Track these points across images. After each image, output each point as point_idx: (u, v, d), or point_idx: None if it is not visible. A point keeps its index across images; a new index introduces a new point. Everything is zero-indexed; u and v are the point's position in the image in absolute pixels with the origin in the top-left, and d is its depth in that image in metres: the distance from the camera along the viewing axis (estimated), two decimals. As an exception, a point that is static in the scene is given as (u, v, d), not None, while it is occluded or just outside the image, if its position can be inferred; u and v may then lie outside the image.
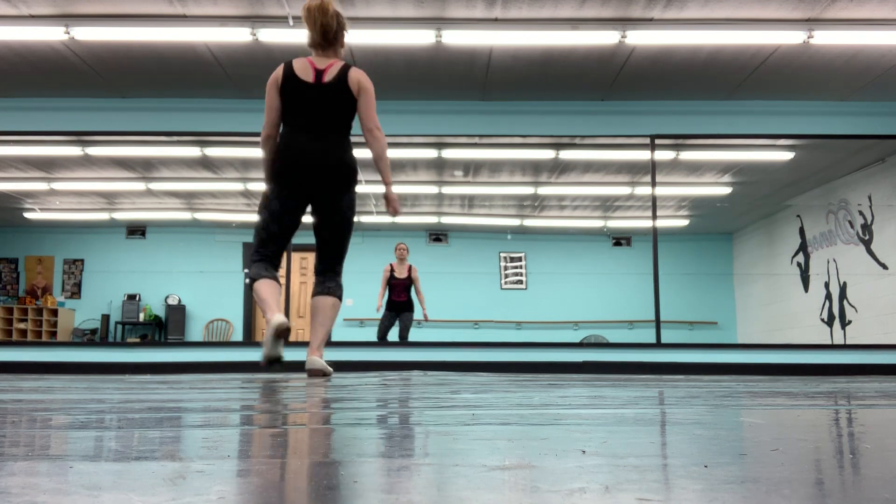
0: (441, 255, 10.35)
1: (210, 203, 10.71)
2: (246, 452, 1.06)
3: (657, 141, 7.45)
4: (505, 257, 10.51)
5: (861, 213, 8.53)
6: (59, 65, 6.55)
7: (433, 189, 9.97)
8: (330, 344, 8.38)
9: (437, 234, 10.47)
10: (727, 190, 9.77)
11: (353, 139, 3.61)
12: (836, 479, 0.84)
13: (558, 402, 2.04)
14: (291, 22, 5.70)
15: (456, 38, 6.01)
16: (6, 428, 1.38)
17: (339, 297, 3.61)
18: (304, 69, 3.52)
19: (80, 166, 9.00)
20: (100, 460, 0.95)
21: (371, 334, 8.99)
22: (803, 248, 9.62)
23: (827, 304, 9.10)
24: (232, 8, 5.71)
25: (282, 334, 3.32)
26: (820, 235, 9.30)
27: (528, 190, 10.01)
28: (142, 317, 10.21)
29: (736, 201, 10.09)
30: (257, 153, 8.26)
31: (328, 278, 3.60)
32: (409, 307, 8.17)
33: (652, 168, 7.45)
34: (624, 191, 9.71)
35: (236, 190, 10.11)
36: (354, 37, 5.97)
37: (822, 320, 9.14)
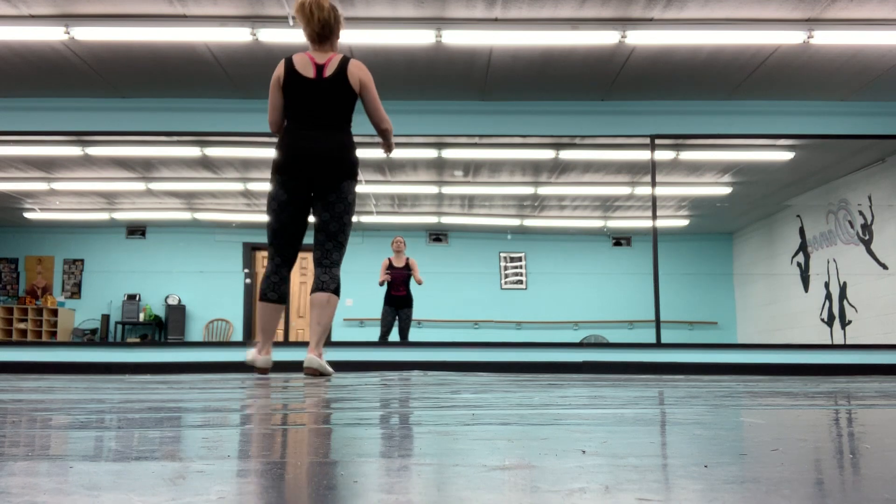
0: (441, 255, 10.35)
1: (210, 203, 10.71)
2: (246, 452, 1.06)
3: (657, 141, 7.45)
4: (505, 257, 10.51)
5: (861, 213, 8.53)
6: (59, 65, 6.55)
7: (433, 189, 9.97)
8: (330, 344, 8.39)
9: (437, 234, 10.47)
10: (727, 190, 9.77)
11: (360, 138, 3.74)
12: (836, 479, 0.84)
13: (558, 402, 2.04)
14: (291, 22, 5.70)
15: (456, 38, 6.00)
16: (6, 428, 1.38)
17: (336, 292, 3.64)
18: (304, 65, 3.59)
19: (80, 166, 9.00)
20: (100, 460, 0.95)
21: (371, 334, 8.99)
22: (803, 248, 9.62)
23: (827, 304, 9.10)
24: (232, 8, 5.71)
25: (257, 371, 3.52)
26: (820, 235, 9.30)
27: (528, 190, 10.01)
28: (142, 317, 10.21)
29: (736, 201, 10.09)
30: (257, 153, 8.29)
31: (325, 270, 3.63)
32: (408, 303, 8.15)
33: (652, 168, 7.45)
34: (624, 191, 9.71)
35: (236, 190, 10.11)
36: (354, 37, 5.97)
37: (822, 320, 9.14)
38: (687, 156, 8.52)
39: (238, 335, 10.15)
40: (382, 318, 8.23)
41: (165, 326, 10.22)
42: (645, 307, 7.40)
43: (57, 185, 9.79)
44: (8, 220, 10.56)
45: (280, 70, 3.61)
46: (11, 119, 7.27)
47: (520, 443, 1.13)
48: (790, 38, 5.95)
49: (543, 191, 10.01)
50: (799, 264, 9.69)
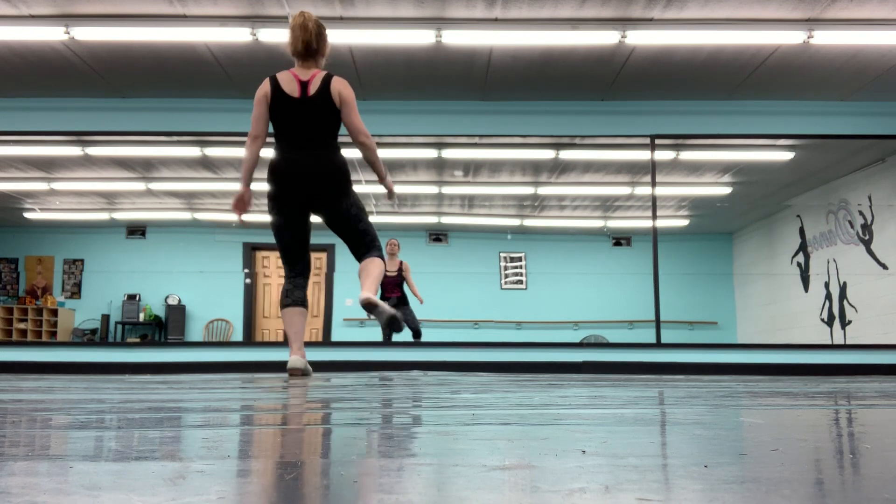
0: (441, 255, 10.34)
1: (210, 203, 10.71)
2: (246, 452, 1.06)
3: (657, 141, 7.44)
4: (505, 257, 10.51)
5: (861, 213, 8.53)
6: (59, 65, 6.55)
7: (433, 189, 9.97)
8: (330, 344, 8.39)
9: (437, 234, 10.47)
10: (727, 190, 9.77)
11: (340, 140, 3.75)
12: (836, 479, 0.84)
13: (558, 402, 2.04)
14: (290, 19, 5.69)
15: (456, 38, 6.00)
16: (6, 428, 1.38)
17: (379, 256, 3.81)
18: (289, 83, 3.68)
19: (80, 166, 9.00)
20: (100, 460, 0.95)
21: (370, 334, 8.99)
22: (803, 248, 9.62)
23: (827, 304, 9.10)
24: (232, 8, 5.71)
25: (296, 374, 3.60)
26: (820, 235, 9.30)
27: (528, 190, 10.01)
28: (142, 317, 10.21)
29: (736, 201, 10.09)
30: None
31: (368, 251, 3.79)
32: (403, 302, 8.13)
33: (652, 168, 7.45)
34: (624, 191, 9.71)
35: (236, 190, 10.10)
36: (354, 37, 5.97)
37: (822, 320, 9.14)
38: (687, 156, 8.51)
39: (238, 335, 10.15)
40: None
41: (165, 326, 10.22)
42: (645, 307, 7.40)
43: (57, 185, 9.79)
44: (8, 220, 10.56)
45: (266, 88, 3.69)
46: (11, 119, 7.27)
47: (520, 443, 1.13)
48: (790, 38, 5.95)
49: (543, 191, 10.01)
50: (799, 264, 9.69)
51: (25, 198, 10.07)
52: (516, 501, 0.68)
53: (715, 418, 1.60)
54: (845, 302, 8.80)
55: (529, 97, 7.28)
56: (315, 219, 3.84)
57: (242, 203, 3.84)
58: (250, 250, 10.31)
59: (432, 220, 10.56)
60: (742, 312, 10.75)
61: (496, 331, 9.99)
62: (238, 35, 5.93)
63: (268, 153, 3.84)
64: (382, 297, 8.19)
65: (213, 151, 8.50)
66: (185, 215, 10.79)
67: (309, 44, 3.69)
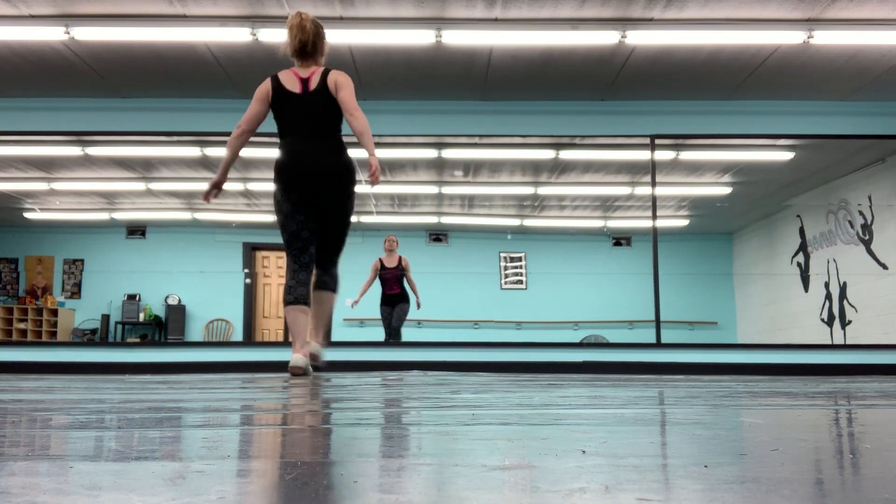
0: (441, 255, 10.34)
1: (210, 203, 10.69)
2: (246, 452, 1.06)
3: (657, 141, 7.44)
4: (505, 257, 10.50)
5: (861, 213, 8.53)
6: (59, 65, 6.55)
7: (433, 189, 9.97)
8: (330, 344, 8.38)
9: (437, 234, 10.47)
10: (727, 190, 9.77)
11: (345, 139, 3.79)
12: (836, 479, 0.84)
13: (558, 402, 2.04)
14: (287, 20, 5.69)
15: (456, 38, 6.00)
16: (6, 428, 1.38)
17: (335, 290, 3.98)
18: (290, 80, 3.75)
19: (80, 166, 9.00)
20: (100, 460, 0.95)
21: (370, 334, 8.99)
22: (803, 248, 9.62)
23: (827, 304, 9.10)
24: (232, 8, 5.71)
25: (298, 373, 3.63)
26: (820, 235, 9.30)
27: (528, 190, 10.01)
28: (142, 317, 10.21)
29: (736, 201, 10.09)
30: (257, 153, 8.30)
31: (326, 270, 3.91)
32: (404, 298, 8.14)
33: (652, 168, 7.45)
34: (624, 191, 9.71)
35: (236, 190, 10.10)
36: (354, 37, 5.97)
37: (822, 320, 9.14)
38: (687, 156, 8.51)
39: (238, 335, 10.15)
40: (382, 318, 8.25)
41: (165, 326, 10.22)
42: (645, 307, 7.40)
43: (57, 185, 9.79)
44: (8, 220, 10.56)
45: (267, 86, 3.75)
46: (11, 119, 7.27)
47: (520, 443, 1.13)
48: (790, 38, 5.95)
49: (543, 191, 10.01)
50: (799, 264, 9.69)
51: (25, 198, 10.06)
52: (516, 501, 0.68)
53: (715, 418, 1.60)
54: (845, 302, 8.80)
55: (529, 97, 7.28)
56: None
57: (216, 188, 3.91)
58: (250, 250, 10.31)
59: (432, 220, 10.56)
60: (742, 312, 10.75)
61: (496, 331, 9.99)
62: (238, 35, 5.93)
63: (264, 152, 3.85)
64: (385, 294, 8.17)
65: (213, 151, 8.49)
66: (185, 215, 10.79)
67: (306, 44, 3.74)
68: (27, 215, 10.36)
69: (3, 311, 10.19)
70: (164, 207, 10.68)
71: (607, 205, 10.32)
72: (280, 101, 3.73)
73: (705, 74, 6.72)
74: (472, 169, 9.16)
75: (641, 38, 5.98)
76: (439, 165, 9.13)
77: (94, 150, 8.36)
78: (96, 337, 10.12)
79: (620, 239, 10.56)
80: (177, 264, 10.21)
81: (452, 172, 9.33)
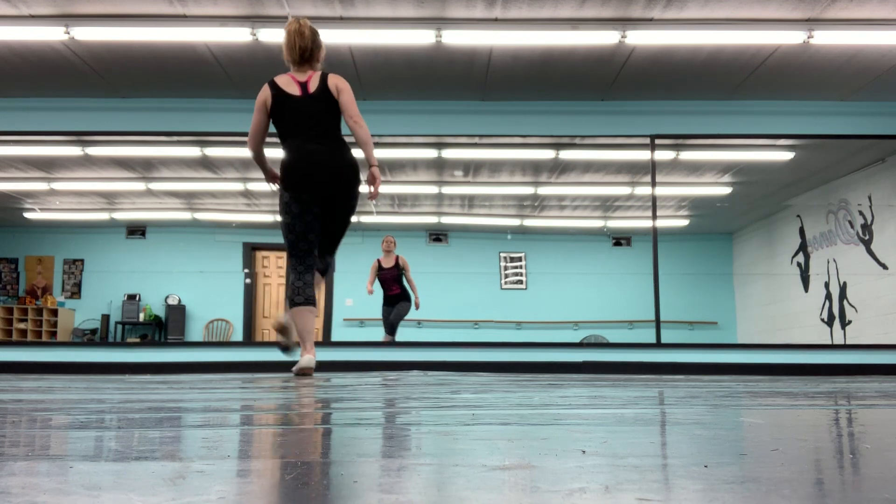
0: (441, 255, 10.34)
1: (210, 203, 10.70)
2: (246, 452, 1.06)
3: (657, 141, 7.44)
4: (505, 257, 10.51)
5: (861, 213, 8.53)
6: (59, 65, 6.55)
7: (433, 189, 9.97)
8: (330, 344, 8.38)
9: (437, 234, 10.47)
10: (727, 190, 9.77)
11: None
12: (836, 479, 0.84)
13: (558, 402, 2.04)
14: (286, 25, 5.69)
15: (456, 38, 6.00)
16: (6, 428, 1.38)
17: (325, 273, 4.07)
18: (288, 84, 3.80)
19: (80, 166, 8.99)
20: (100, 460, 0.95)
21: (370, 334, 8.99)
22: (803, 248, 9.62)
23: (827, 304, 9.10)
24: (232, 8, 5.71)
25: (307, 373, 3.71)
26: (820, 235, 9.30)
27: (528, 190, 10.00)
28: (142, 317, 10.21)
29: (736, 201, 10.09)
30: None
31: (322, 258, 4.00)
32: (404, 298, 8.14)
33: (652, 168, 7.45)
34: (624, 191, 9.71)
35: (236, 190, 10.10)
36: (354, 37, 5.97)
37: (823, 320, 9.14)
38: (687, 156, 8.51)
39: (238, 335, 10.15)
40: (383, 319, 8.25)
41: (165, 326, 10.22)
42: (645, 307, 7.40)
43: (57, 185, 9.79)
44: (8, 220, 10.56)
45: (266, 93, 3.80)
46: (11, 119, 7.27)
47: (520, 443, 1.13)
48: (790, 38, 5.95)
49: (543, 191, 10.01)
50: (799, 264, 9.69)
51: (25, 198, 10.06)
52: (516, 501, 0.68)
53: (715, 418, 1.60)
54: (845, 302, 8.80)
55: (529, 97, 7.28)
56: None
57: (273, 179, 3.97)
58: (250, 250, 10.31)
59: (432, 220, 10.56)
60: (742, 312, 10.74)
61: (496, 331, 9.99)
62: (238, 35, 5.93)
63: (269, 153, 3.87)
64: (385, 295, 8.18)
65: (213, 151, 8.49)
66: (185, 215, 10.79)
67: (305, 49, 3.80)
68: (27, 215, 10.36)
69: (3, 311, 10.19)
70: (164, 207, 10.68)
71: (607, 205, 10.32)
72: (280, 104, 3.77)
73: (705, 74, 6.72)
74: (471, 169, 9.16)
75: (641, 38, 5.98)
76: (439, 165, 9.13)
77: (94, 150, 8.36)
78: (96, 337, 10.12)
79: (620, 239, 10.56)
80: (177, 264, 10.21)
81: (452, 172, 9.33)
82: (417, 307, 8.18)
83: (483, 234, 10.76)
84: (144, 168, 9.16)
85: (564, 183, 9.55)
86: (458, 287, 10.06)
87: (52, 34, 5.93)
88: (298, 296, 3.81)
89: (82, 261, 10.46)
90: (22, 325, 10.16)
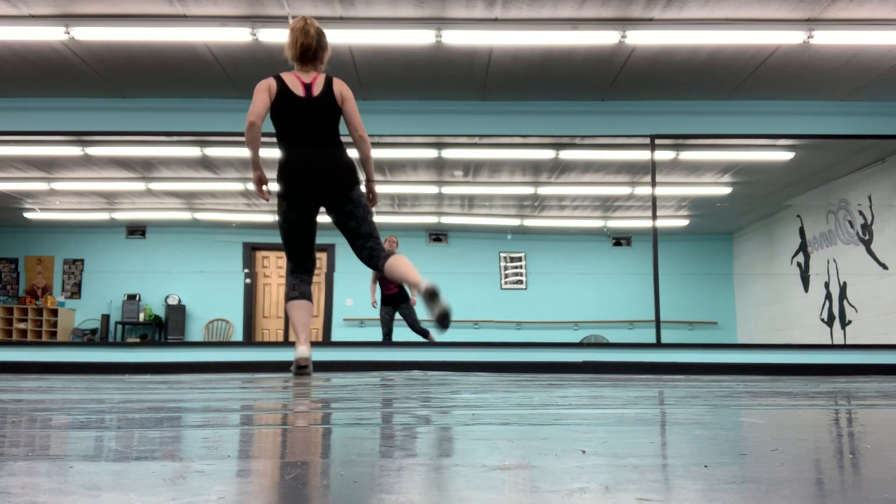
0: (441, 255, 10.34)
1: (210, 203, 10.70)
2: (246, 452, 1.06)
3: (657, 141, 7.44)
4: (505, 257, 10.51)
5: (861, 213, 8.53)
6: (59, 65, 6.55)
7: (433, 189, 9.97)
8: (330, 344, 8.39)
9: (437, 234, 10.47)
10: (727, 190, 9.76)
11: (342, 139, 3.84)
12: (836, 479, 0.84)
13: (558, 402, 2.04)
14: (291, 22, 5.69)
15: (456, 38, 6.00)
16: (6, 428, 1.38)
17: (395, 253, 3.90)
18: (293, 84, 3.77)
19: (80, 166, 8.99)
20: (100, 460, 0.95)
21: (370, 334, 8.99)
22: (803, 248, 9.62)
23: (827, 304, 9.10)
24: (232, 8, 5.71)
25: (301, 367, 3.67)
26: (820, 235, 9.30)
27: (528, 190, 10.00)
28: (142, 317, 10.21)
29: (736, 201, 10.09)
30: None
31: (374, 252, 3.85)
32: (403, 298, 8.13)
33: (652, 168, 7.45)
34: (624, 191, 9.71)
35: (236, 190, 10.10)
36: (354, 37, 5.97)
37: (823, 320, 9.14)
38: (687, 156, 8.51)
39: (238, 335, 10.15)
40: (381, 319, 8.20)
41: (165, 326, 10.22)
42: (645, 307, 7.40)
43: (57, 185, 9.78)
44: (8, 220, 10.56)
45: (272, 83, 3.74)
46: (11, 119, 7.27)
47: (520, 443, 1.13)
48: (790, 38, 5.95)
49: (543, 191, 10.01)
50: (799, 264, 9.69)
51: (25, 198, 10.06)
52: (516, 501, 0.68)
53: (715, 418, 1.60)
54: (845, 302, 8.80)
55: (529, 97, 7.28)
56: (323, 219, 3.87)
57: (262, 183, 3.81)
58: (250, 250, 10.31)
59: (432, 220, 10.56)
60: (742, 312, 10.75)
61: (496, 331, 9.99)
62: (238, 35, 5.93)
63: (264, 152, 3.85)
64: (384, 295, 8.18)
65: (213, 151, 8.49)
66: (185, 215, 10.79)
67: (309, 48, 3.78)
68: (27, 215, 10.36)
69: (3, 311, 10.19)
70: (164, 207, 10.68)
71: (607, 205, 10.32)
72: (283, 102, 3.74)
73: (705, 74, 6.72)
74: (471, 169, 9.16)
75: (641, 38, 5.98)
76: (439, 165, 9.13)
77: (94, 150, 8.36)
78: (96, 337, 10.12)
79: (620, 239, 10.56)
80: (177, 264, 10.21)
81: (452, 172, 9.33)
82: (414, 304, 8.18)
83: (483, 234, 10.76)
84: (144, 168, 9.16)
85: (564, 183, 9.55)
86: (458, 287, 10.05)
87: (52, 34, 5.93)
88: (293, 291, 3.83)
89: (82, 261, 10.46)
90: (22, 325, 10.16)
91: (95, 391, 2.62)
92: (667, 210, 9.91)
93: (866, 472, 0.88)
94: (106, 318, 10.23)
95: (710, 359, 6.59)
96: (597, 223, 10.88)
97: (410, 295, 8.15)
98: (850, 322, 8.70)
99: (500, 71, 6.65)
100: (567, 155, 8.69)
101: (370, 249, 3.84)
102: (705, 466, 0.87)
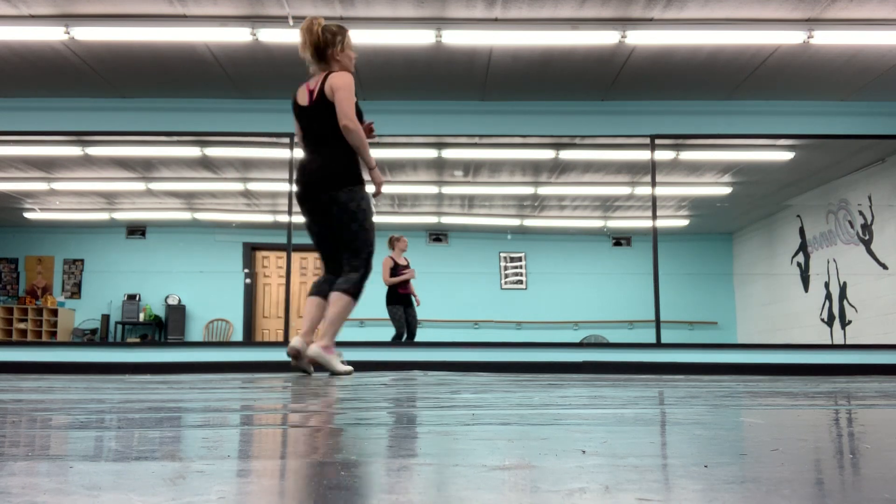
0: (441, 255, 10.34)
1: (210, 203, 10.70)
2: (246, 452, 1.06)
3: (657, 141, 7.44)
4: (505, 257, 10.50)
5: (861, 213, 8.53)
6: (59, 65, 6.55)
7: (433, 189, 9.97)
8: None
9: (437, 234, 10.46)
10: (727, 190, 9.77)
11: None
12: (836, 479, 0.84)
13: (558, 402, 2.04)
14: (291, 22, 5.70)
15: (456, 38, 6.00)
16: (6, 428, 1.38)
17: (347, 293, 3.68)
18: (301, 94, 3.81)
19: (80, 166, 9.00)
20: (100, 460, 0.95)
21: (371, 334, 8.97)
22: (803, 248, 9.62)
23: (827, 304, 9.10)
24: (232, 8, 5.71)
25: (293, 356, 3.72)
26: (820, 235, 9.30)
27: (528, 190, 10.00)
28: (142, 317, 10.20)
29: (736, 201, 10.09)
30: (257, 153, 8.30)
31: (343, 275, 3.74)
32: (412, 302, 8.11)
33: (652, 168, 7.45)
34: (624, 191, 9.71)
35: (236, 190, 10.10)
36: (354, 37, 5.95)
37: (823, 320, 9.14)
38: (687, 156, 8.51)
39: (238, 335, 10.15)
40: (396, 318, 8.03)
41: (165, 326, 10.21)
42: (645, 307, 7.40)
43: (57, 185, 9.79)
44: (8, 220, 10.55)
45: (293, 98, 3.87)
46: (11, 119, 7.27)
47: (520, 443, 1.13)
48: (790, 38, 5.95)
49: (543, 191, 10.01)
50: (799, 264, 9.69)
51: (25, 198, 10.06)
52: (516, 501, 0.68)
53: (715, 418, 1.60)
54: (845, 302, 8.80)
55: (529, 97, 7.28)
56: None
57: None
58: (250, 250, 10.31)
59: (432, 220, 10.56)
60: (742, 312, 10.74)
61: (496, 331, 9.99)
62: (238, 35, 5.93)
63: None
64: (397, 294, 8.00)
65: (213, 151, 8.49)
66: (185, 215, 10.79)
67: (315, 46, 3.75)
68: (27, 215, 10.36)
69: (3, 311, 10.19)
70: (164, 207, 10.68)
71: (607, 205, 10.32)
72: (295, 114, 3.83)
73: (705, 74, 6.72)
74: (472, 169, 9.16)
75: (641, 38, 5.98)
76: (439, 165, 9.13)
77: (94, 150, 8.36)
78: (96, 337, 10.12)
79: (620, 239, 10.55)
80: (177, 264, 10.21)
81: (452, 172, 9.33)
82: (418, 304, 8.19)
83: (483, 234, 10.76)
84: (144, 168, 9.16)
85: (564, 183, 9.55)
86: (458, 287, 10.06)
87: (52, 34, 5.93)
88: (312, 288, 3.88)
89: (82, 261, 10.45)
90: (22, 325, 10.16)
91: (95, 391, 2.62)
92: (667, 210, 9.91)
93: (866, 472, 0.88)
94: (106, 318, 10.23)
95: (710, 359, 6.59)
96: (597, 223, 10.87)
97: (415, 301, 8.15)
98: (850, 322, 8.70)
99: (499, 71, 6.65)
100: (567, 155, 8.69)
101: (345, 260, 3.73)
102: (705, 466, 0.87)
